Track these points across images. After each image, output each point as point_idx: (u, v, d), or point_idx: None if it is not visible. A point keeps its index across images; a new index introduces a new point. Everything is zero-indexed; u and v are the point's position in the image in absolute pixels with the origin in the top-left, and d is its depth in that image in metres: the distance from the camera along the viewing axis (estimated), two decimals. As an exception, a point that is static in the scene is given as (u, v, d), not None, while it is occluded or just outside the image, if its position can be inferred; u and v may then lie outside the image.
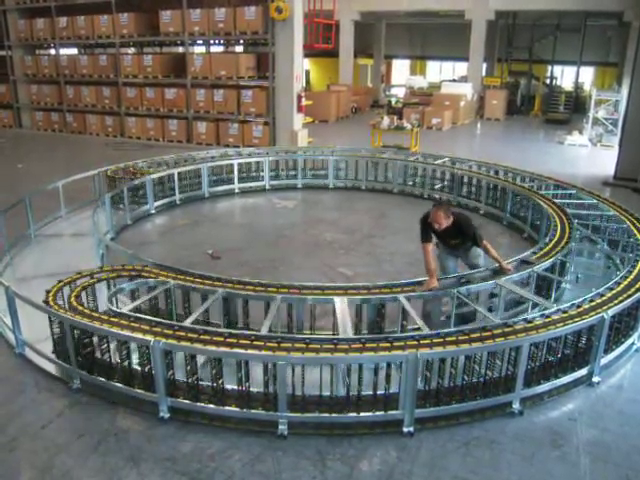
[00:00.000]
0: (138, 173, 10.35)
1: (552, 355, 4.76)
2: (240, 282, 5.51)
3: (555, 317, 4.73)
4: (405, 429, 4.27)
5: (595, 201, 8.65)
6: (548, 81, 28.98)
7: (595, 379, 4.92)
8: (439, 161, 11.61)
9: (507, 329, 4.54)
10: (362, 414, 4.31)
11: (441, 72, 40.04)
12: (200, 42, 19.59)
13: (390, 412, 4.32)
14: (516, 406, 4.54)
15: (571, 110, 25.06)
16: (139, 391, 4.58)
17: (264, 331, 4.63)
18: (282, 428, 4.25)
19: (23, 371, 5.15)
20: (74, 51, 21.86)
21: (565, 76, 32.69)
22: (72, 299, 5.12)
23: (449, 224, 5.52)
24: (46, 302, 5.00)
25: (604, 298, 5.10)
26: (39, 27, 19.14)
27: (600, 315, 4.73)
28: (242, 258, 7.88)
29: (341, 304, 5.13)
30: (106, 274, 5.69)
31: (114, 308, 5.17)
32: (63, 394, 4.76)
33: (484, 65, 27.62)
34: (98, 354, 4.84)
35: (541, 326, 4.58)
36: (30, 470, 3.94)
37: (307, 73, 34.25)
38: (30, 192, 8.71)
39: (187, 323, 4.81)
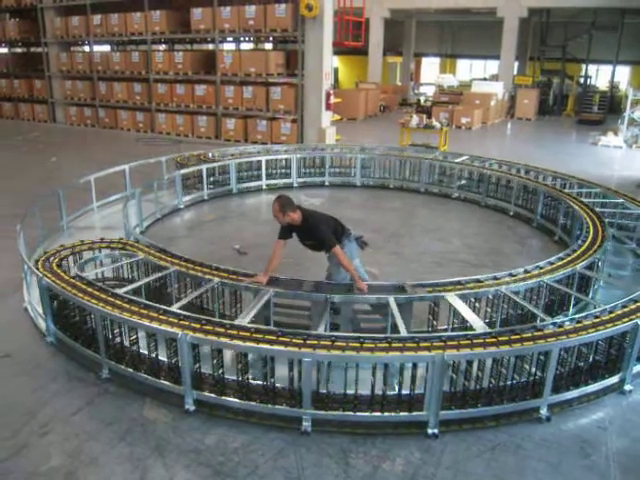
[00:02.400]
0: (209, 161, 11.23)
1: (582, 361, 4.67)
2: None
3: (586, 322, 4.65)
4: (430, 431, 4.24)
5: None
6: (582, 80, 28.48)
7: (627, 387, 4.81)
8: (462, 159, 11.52)
9: (537, 333, 4.46)
10: (386, 414, 4.30)
11: (471, 70, 39.70)
12: (230, 39, 19.70)
13: (415, 413, 4.29)
14: (544, 412, 4.46)
15: (605, 110, 24.60)
16: (166, 383, 4.64)
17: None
18: (306, 425, 4.25)
19: (55, 359, 5.25)
20: (107, 48, 22.21)
21: (600, 75, 32.10)
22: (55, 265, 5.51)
23: (297, 223, 5.39)
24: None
25: (638, 304, 4.99)
26: (74, 24, 19.52)
27: (634, 321, 4.63)
28: (268, 254, 7.86)
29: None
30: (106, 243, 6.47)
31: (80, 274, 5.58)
32: (92, 383, 4.85)
33: (516, 64, 27.27)
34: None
35: (572, 331, 4.49)
36: (60, 455, 4.01)
37: (336, 71, 34.25)
38: (63, 185, 8.88)
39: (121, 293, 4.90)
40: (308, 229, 5.41)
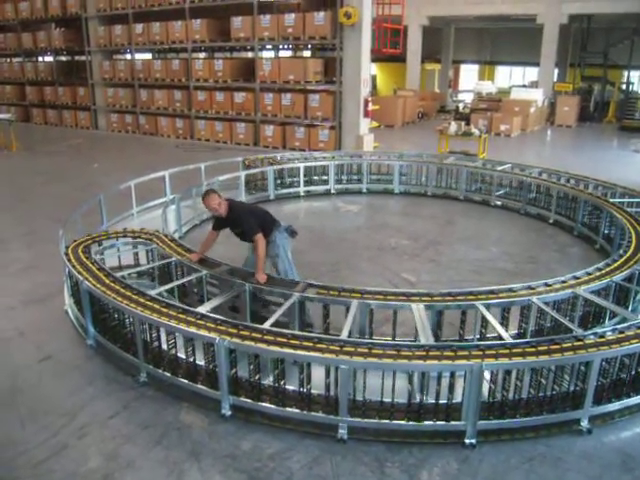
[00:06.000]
0: (276, 163, 11.76)
1: (625, 372, 4.55)
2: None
3: (629, 333, 4.52)
4: (467, 441, 4.18)
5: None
6: (624, 87, 27.85)
7: (671, 400, 4.66)
8: (505, 167, 11.38)
9: (577, 343, 4.36)
10: (423, 423, 4.25)
11: (511, 77, 39.23)
12: (269, 47, 19.88)
13: (452, 422, 4.24)
14: (584, 424, 4.35)
15: (648, 117, 24.00)
16: (203, 387, 4.68)
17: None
18: (342, 432, 4.23)
19: (93, 362, 5.35)
20: (148, 56, 22.64)
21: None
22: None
23: (228, 212, 5.81)
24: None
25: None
26: (117, 33, 19.97)
27: (680, 333, 4.48)
28: (305, 260, 7.89)
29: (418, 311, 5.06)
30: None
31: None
32: (130, 386, 4.92)
33: (556, 70, 26.82)
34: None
35: (614, 341, 4.39)
36: (97, 457, 4.08)
37: (374, 78, 34.21)
38: (104, 191, 9.07)
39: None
40: (235, 218, 5.85)
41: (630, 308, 6.02)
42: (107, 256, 6.75)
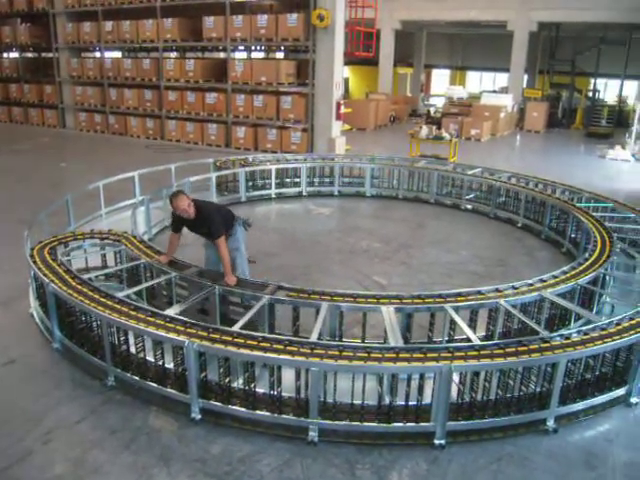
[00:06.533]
0: (248, 165, 11.66)
1: (589, 373, 4.65)
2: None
3: (593, 334, 4.62)
4: (436, 441, 4.22)
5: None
6: (590, 94, 28.46)
7: (633, 400, 4.78)
8: (475, 171, 11.52)
9: (544, 344, 4.44)
10: (393, 424, 4.28)
11: (481, 83, 39.77)
12: (242, 48, 19.80)
13: (422, 424, 4.28)
14: (550, 424, 4.44)
15: (614, 124, 24.53)
16: (172, 391, 4.63)
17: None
18: (312, 435, 4.24)
19: (60, 366, 5.25)
20: (118, 54, 22.36)
21: (608, 89, 32.08)
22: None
23: (196, 213, 5.72)
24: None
25: (645, 317, 4.95)
26: (85, 30, 19.64)
27: (641, 334, 4.59)
28: (277, 263, 7.91)
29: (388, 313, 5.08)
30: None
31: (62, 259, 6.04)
32: (98, 391, 4.84)
33: (525, 77, 27.27)
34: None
35: (579, 343, 4.47)
36: (64, 463, 4.01)
37: (346, 81, 34.34)
38: (72, 191, 8.91)
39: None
40: (205, 218, 5.75)
41: (594, 310, 6.16)
42: (74, 258, 6.65)
